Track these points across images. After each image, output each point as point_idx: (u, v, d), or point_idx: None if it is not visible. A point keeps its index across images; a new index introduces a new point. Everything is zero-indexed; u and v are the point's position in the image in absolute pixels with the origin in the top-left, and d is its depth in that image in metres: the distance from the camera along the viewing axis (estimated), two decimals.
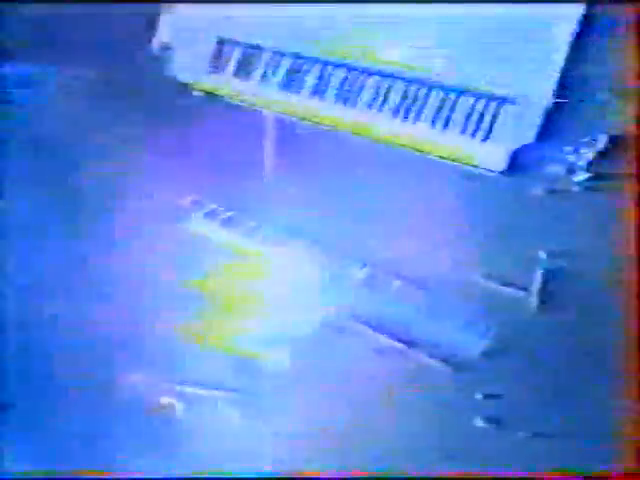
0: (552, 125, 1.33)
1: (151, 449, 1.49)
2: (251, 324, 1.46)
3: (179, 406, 1.40)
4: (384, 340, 1.44)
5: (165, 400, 1.35)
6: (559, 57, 1.32)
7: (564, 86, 1.33)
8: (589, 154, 1.32)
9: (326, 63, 1.54)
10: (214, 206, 1.69)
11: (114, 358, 1.56)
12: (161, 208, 1.64)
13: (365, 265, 1.48)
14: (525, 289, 1.37)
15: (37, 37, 1.78)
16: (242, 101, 1.69)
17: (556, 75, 1.32)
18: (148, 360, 1.48)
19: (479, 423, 1.34)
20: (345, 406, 1.43)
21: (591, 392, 1.26)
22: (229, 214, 1.68)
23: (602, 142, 1.32)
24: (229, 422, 1.47)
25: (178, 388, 1.38)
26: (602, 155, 1.31)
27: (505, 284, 1.38)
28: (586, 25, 1.33)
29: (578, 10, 1.32)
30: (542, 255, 1.35)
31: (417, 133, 1.41)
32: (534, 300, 1.37)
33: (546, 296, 1.36)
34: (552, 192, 1.34)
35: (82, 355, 1.58)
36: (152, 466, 1.46)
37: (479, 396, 1.35)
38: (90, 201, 1.70)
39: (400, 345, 1.41)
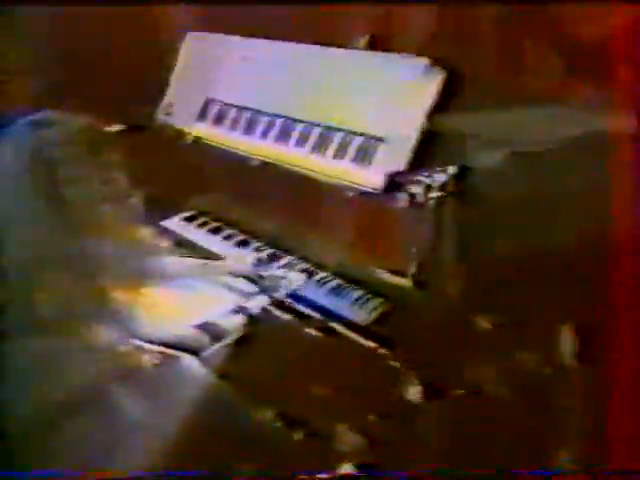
0: (416, 157, 1.83)
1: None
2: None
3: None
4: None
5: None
6: (423, 109, 1.83)
7: (427, 129, 1.83)
8: (442, 178, 1.80)
9: (270, 115, 2.11)
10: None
11: None
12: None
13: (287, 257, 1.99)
14: (404, 275, 1.85)
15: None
16: (216, 142, 2.27)
17: (421, 122, 1.83)
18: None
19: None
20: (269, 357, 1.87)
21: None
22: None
23: (451, 171, 1.80)
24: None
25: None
26: (450, 179, 1.79)
27: (390, 272, 1.87)
28: (447, 84, 1.84)
29: (441, 74, 1.83)
30: (413, 250, 1.83)
31: (325, 163, 1.94)
32: (410, 284, 1.84)
33: (420, 279, 1.83)
34: (414, 204, 1.82)
35: None
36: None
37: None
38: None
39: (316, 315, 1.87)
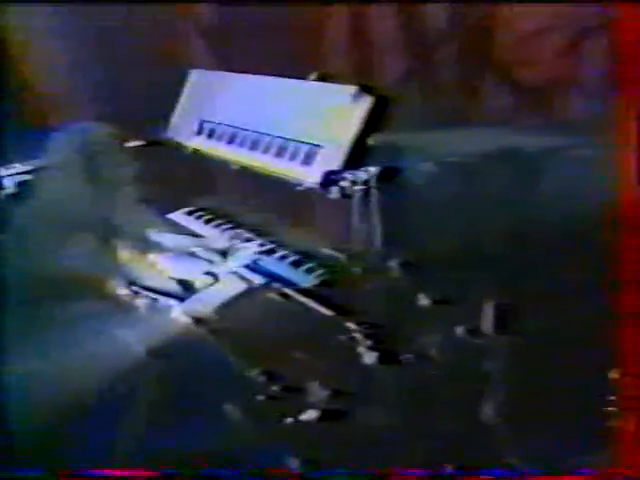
0: (359, 162, 2.46)
1: None
2: None
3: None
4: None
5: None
6: (354, 125, 2.46)
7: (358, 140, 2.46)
8: (363, 176, 2.42)
9: (246, 131, 2.77)
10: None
11: None
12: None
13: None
14: (341, 251, 2.47)
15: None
16: (205, 153, 2.94)
17: (352, 134, 2.46)
18: None
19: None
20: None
21: None
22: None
23: (372, 171, 2.42)
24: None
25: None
26: (373, 177, 2.42)
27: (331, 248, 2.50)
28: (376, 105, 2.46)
29: (369, 99, 2.45)
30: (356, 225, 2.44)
31: (283, 165, 2.58)
32: (344, 257, 2.45)
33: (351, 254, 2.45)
34: (344, 196, 2.44)
35: None
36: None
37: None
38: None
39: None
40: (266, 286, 2.46)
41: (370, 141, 2.49)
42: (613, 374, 2.03)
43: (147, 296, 2.32)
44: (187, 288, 2.40)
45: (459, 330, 2.28)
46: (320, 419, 2.04)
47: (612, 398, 1.97)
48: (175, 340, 2.30)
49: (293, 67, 2.65)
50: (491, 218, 2.57)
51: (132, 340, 2.20)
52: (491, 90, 3.74)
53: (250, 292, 2.49)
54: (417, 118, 2.67)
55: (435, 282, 2.46)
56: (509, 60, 3.81)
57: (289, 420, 2.01)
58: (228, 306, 2.43)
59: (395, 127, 2.55)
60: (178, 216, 2.95)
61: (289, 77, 2.66)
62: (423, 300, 2.41)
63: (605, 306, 2.15)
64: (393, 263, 2.53)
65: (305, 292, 2.46)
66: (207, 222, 2.88)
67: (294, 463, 1.90)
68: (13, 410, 1.90)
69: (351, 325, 2.35)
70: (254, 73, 2.76)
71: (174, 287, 2.38)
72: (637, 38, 2.29)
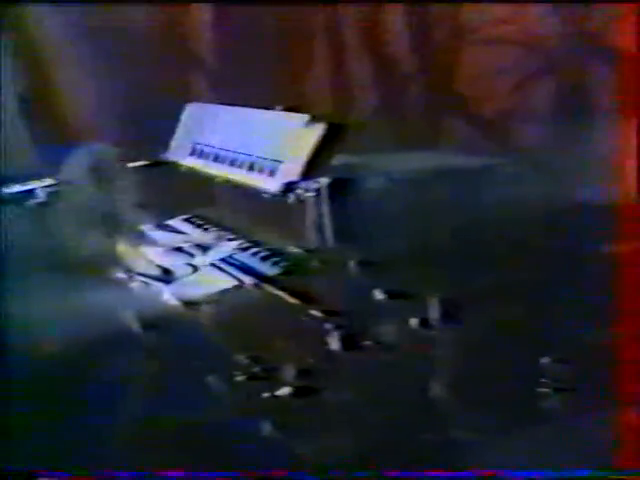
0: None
1: None
2: None
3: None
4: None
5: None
6: (308, 146, 3.08)
7: (312, 157, 3.07)
8: (315, 186, 3.02)
9: (227, 151, 3.41)
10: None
11: None
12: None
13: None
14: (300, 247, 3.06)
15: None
16: (196, 170, 3.58)
17: (308, 152, 3.07)
18: None
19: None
20: None
21: None
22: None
23: (323, 182, 3.03)
24: None
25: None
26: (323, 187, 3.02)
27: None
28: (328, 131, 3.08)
29: (322, 125, 3.07)
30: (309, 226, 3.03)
31: (254, 178, 3.21)
32: (303, 253, 3.04)
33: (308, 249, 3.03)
34: (299, 201, 3.04)
35: None
36: None
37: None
38: None
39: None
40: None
41: (333, 161, 3.11)
42: (544, 360, 2.41)
43: (139, 279, 2.94)
44: (170, 275, 3.01)
45: (412, 321, 2.68)
46: (292, 395, 2.38)
47: (543, 381, 2.33)
48: (161, 316, 2.89)
49: (276, 100, 3.31)
50: (437, 224, 3.16)
51: (126, 311, 2.80)
52: (446, 119, 4.41)
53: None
54: (377, 142, 3.31)
55: (389, 279, 3.03)
56: (465, 94, 4.49)
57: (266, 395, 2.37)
58: (208, 293, 3.02)
59: (357, 150, 3.18)
60: (175, 222, 3.58)
61: (266, 107, 3.31)
62: (379, 295, 2.86)
63: (538, 301, 2.69)
64: (350, 262, 3.10)
65: (273, 282, 3.04)
66: (197, 226, 3.50)
67: (267, 428, 2.25)
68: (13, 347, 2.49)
69: (317, 313, 2.90)
70: (242, 104, 3.42)
71: (160, 273, 3.00)
72: None
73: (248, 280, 2.98)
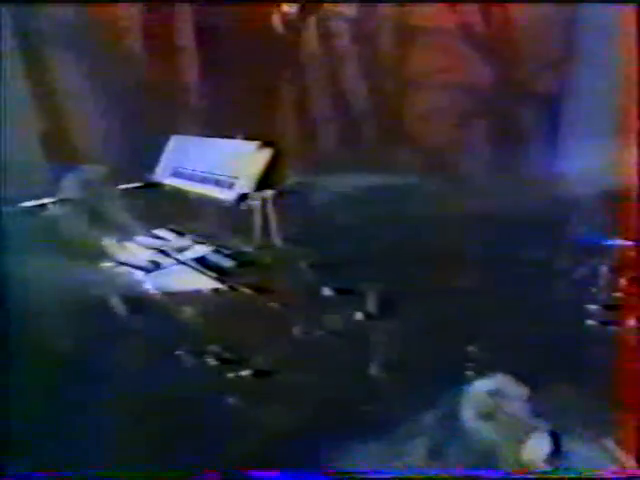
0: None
1: None
2: None
3: None
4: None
5: None
6: (257, 167, 3.95)
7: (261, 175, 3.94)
8: (264, 195, 3.87)
9: (198, 172, 4.29)
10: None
11: None
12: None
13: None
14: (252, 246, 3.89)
15: None
16: (176, 187, 4.45)
17: (258, 170, 3.94)
18: None
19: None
20: None
21: None
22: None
23: (269, 193, 3.87)
24: None
25: None
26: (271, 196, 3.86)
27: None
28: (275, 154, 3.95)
29: (268, 151, 3.95)
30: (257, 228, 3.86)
31: (218, 192, 4.07)
32: (255, 250, 3.88)
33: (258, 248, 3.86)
34: (250, 208, 3.89)
35: None
36: None
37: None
38: None
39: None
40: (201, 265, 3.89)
41: (289, 181, 3.97)
42: (470, 348, 2.97)
43: (124, 268, 3.78)
44: (151, 268, 3.85)
45: (357, 315, 3.30)
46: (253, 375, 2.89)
47: (469, 365, 2.84)
48: (140, 299, 3.69)
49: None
50: (373, 230, 3.94)
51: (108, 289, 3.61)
52: (389, 148, 5.31)
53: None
54: (329, 166, 4.18)
55: (335, 277, 3.63)
56: (408, 129, 5.42)
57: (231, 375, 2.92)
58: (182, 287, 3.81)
59: (311, 171, 4.06)
60: (157, 230, 4.43)
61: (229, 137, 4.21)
62: (327, 291, 3.51)
63: (463, 297, 3.29)
64: (299, 261, 3.88)
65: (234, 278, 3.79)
66: (175, 232, 4.35)
67: (232, 400, 2.74)
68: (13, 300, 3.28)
69: (276, 305, 3.61)
70: (205, 135, 4.33)
71: (143, 265, 3.84)
72: None
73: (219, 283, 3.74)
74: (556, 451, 2.08)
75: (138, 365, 3.04)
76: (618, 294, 3.46)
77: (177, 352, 3.06)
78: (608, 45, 4.67)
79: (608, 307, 3.34)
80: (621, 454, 2.16)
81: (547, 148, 5.15)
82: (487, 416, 2.29)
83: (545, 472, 2.13)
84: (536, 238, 3.90)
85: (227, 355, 3.11)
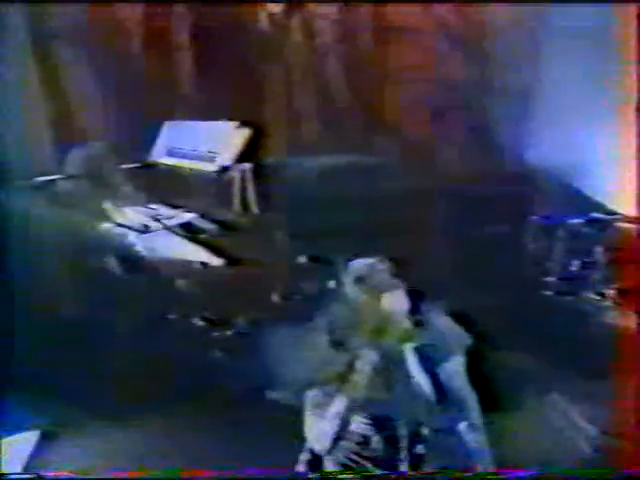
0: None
1: None
2: None
3: None
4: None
5: None
6: (237, 144, 4.52)
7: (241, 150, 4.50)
8: (242, 168, 4.43)
9: (188, 151, 4.88)
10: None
11: None
12: None
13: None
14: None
15: None
16: (170, 165, 5.04)
17: (236, 148, 4.51)
18: None
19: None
20: None
21: None
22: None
23: (247, 166, 4.44)
24: None
25: None
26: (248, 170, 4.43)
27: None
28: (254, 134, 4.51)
29: (246, 130, 4.52)
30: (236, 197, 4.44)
31: (205, 165, 4.66)
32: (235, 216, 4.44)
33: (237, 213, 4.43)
34: (230, 179, 4.45)
35: None
36: None
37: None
38: None
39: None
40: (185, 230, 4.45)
41: (270, 159, 4.52)
42: None
43: (120, 229, 4.37)
44: (143, 230, 4.42)
45: (330, 283, 3.76)
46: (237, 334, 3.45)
47: None
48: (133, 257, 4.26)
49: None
50: (347, 204, 4.45)
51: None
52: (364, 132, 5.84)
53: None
54: (307, 148, 4.74)
55: (309, 247, 4.20)
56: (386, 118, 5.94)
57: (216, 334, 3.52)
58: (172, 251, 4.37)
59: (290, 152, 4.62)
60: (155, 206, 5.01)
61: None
62: (301, 259, 4.05)
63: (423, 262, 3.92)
64: (277, 232, 4.41)
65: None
66: (167, 205, 4.92)
67: (218, 354, 3.33)
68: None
69: (254, 272, 4.17)
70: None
71: (135, 227, 4.41)
72: None
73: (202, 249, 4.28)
74: (413, 307, 2.64)
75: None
76: (574, 268, 3.99)
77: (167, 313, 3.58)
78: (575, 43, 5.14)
79: (563, 279, 3.87)
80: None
81: (515, 136, 5.62)
82: (360, 279, 2.84)
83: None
84: (500, 215, 4.35)
85: (211, 316, 3.62)
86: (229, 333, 3.48)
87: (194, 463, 2.48)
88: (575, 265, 3.95)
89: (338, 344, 2.81)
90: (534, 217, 4.45)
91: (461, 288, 3.59)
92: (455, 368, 2.49)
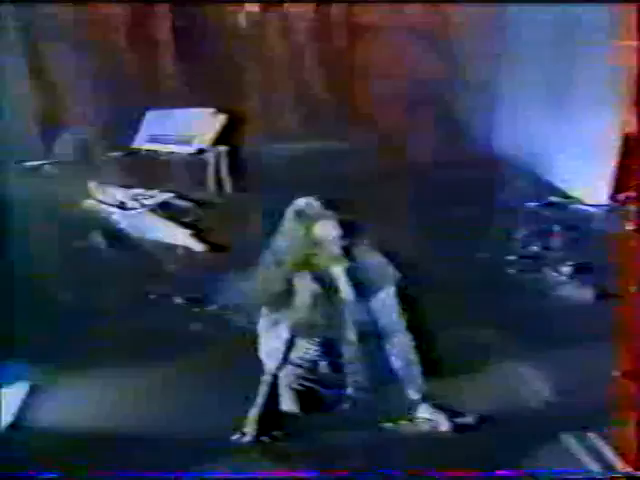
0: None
1: None
2: None
3: None
4: None
5: None
6: (214, 127, 4.88)
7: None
8: (217, 150, 4.79)
9: (168, 136, 5.23)
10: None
11: None
12: None
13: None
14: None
15: None
16: (153, 150, 5.39)
17: (213, 131, 4.87)
18: None
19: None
20: None
21: None
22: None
23: (222, 149, 4.80)
24: None
25: None
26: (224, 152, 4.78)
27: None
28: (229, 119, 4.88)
29: (222, 115, 4.88)
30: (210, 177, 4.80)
31: (184, 150, 5.02)
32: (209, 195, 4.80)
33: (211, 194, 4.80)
34: (206, 160, 4.81)
35: None
36: None
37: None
38: None
39: None
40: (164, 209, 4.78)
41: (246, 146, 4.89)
42: None
43: (104, 206, 4.70)
44: (125, 208, 4.75)
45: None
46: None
47: None
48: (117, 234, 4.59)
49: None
50: (310, 182, 4.79)
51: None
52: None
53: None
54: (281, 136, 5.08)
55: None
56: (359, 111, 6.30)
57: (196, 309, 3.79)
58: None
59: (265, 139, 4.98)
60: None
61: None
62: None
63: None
64: (250, 212, 4.75)
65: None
66: (147, 187, 5.25)
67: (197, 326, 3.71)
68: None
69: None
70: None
71: (117, 204, 4.75)
72: None
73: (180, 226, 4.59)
74: (344, 235, 3.01)
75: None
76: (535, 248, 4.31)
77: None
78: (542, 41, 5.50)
79: (525, 258, 4.18)
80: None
81: (482, 127, 5.96)
82: (299, 213, 3.23)
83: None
84: (468, 199, 4.59)
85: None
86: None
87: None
88: (536, 245, 4.25)
89: (279, 264, 3.17)
90: (497, 200, 4.73)
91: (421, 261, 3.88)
92: (384, 296, 2.84)
